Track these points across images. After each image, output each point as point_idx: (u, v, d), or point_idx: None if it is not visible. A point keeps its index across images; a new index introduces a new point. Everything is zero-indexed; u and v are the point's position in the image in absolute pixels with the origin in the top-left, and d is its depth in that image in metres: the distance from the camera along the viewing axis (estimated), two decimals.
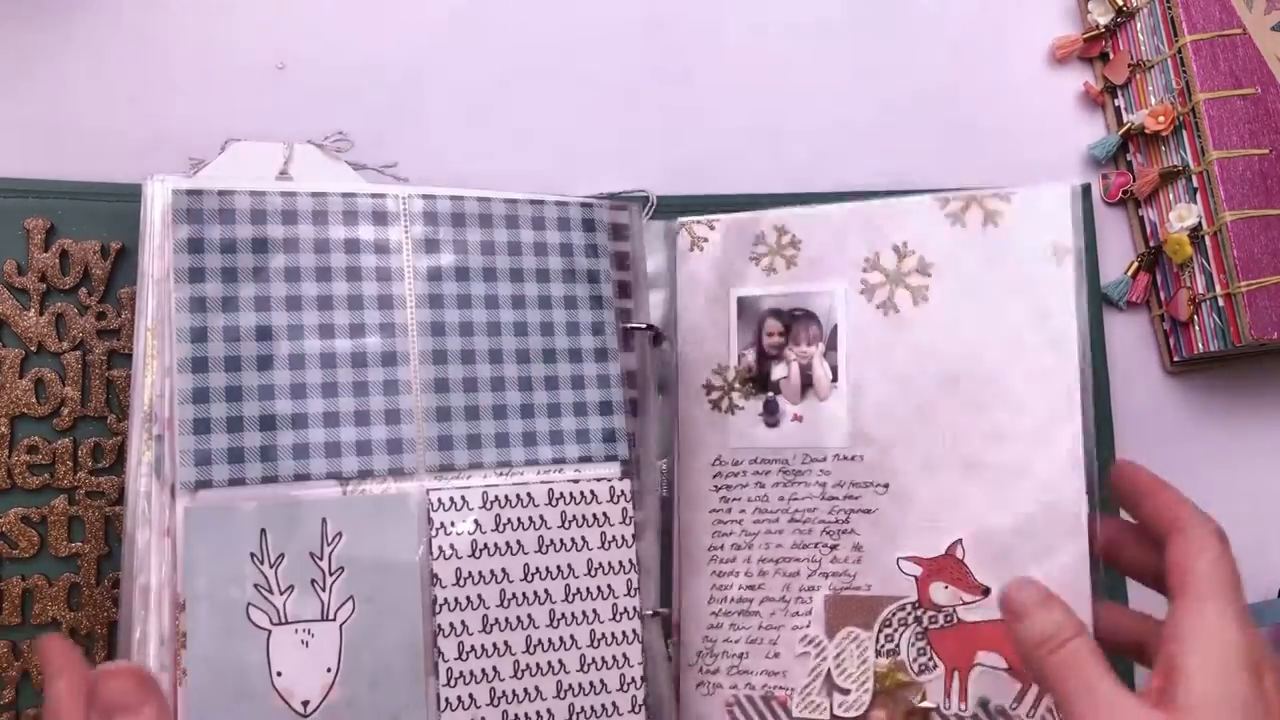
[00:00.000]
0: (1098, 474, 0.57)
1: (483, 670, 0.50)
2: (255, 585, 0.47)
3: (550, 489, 0.52)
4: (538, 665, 0.51)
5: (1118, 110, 0.64)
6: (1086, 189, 0.62)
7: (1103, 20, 0.64)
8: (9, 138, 0.57)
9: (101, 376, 0.53)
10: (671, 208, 0.59)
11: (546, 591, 0.51)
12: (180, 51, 0.60)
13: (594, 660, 0.52)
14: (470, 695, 0.49)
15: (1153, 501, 0.49)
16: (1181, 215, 0.60)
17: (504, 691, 0.50)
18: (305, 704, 0.47)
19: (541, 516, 0.52)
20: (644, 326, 0.56)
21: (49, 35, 0.59)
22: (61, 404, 0.53)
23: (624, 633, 0.53)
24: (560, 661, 0.51)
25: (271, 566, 0.47)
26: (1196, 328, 0.60)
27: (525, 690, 0.50)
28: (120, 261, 0.54)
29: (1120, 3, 0.64)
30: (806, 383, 0.56)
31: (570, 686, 0.51)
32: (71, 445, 0.53)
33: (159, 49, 0.60)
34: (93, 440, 0.53)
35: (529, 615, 0.51)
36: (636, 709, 0.52)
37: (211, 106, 0.59)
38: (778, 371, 0.56)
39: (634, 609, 0.53)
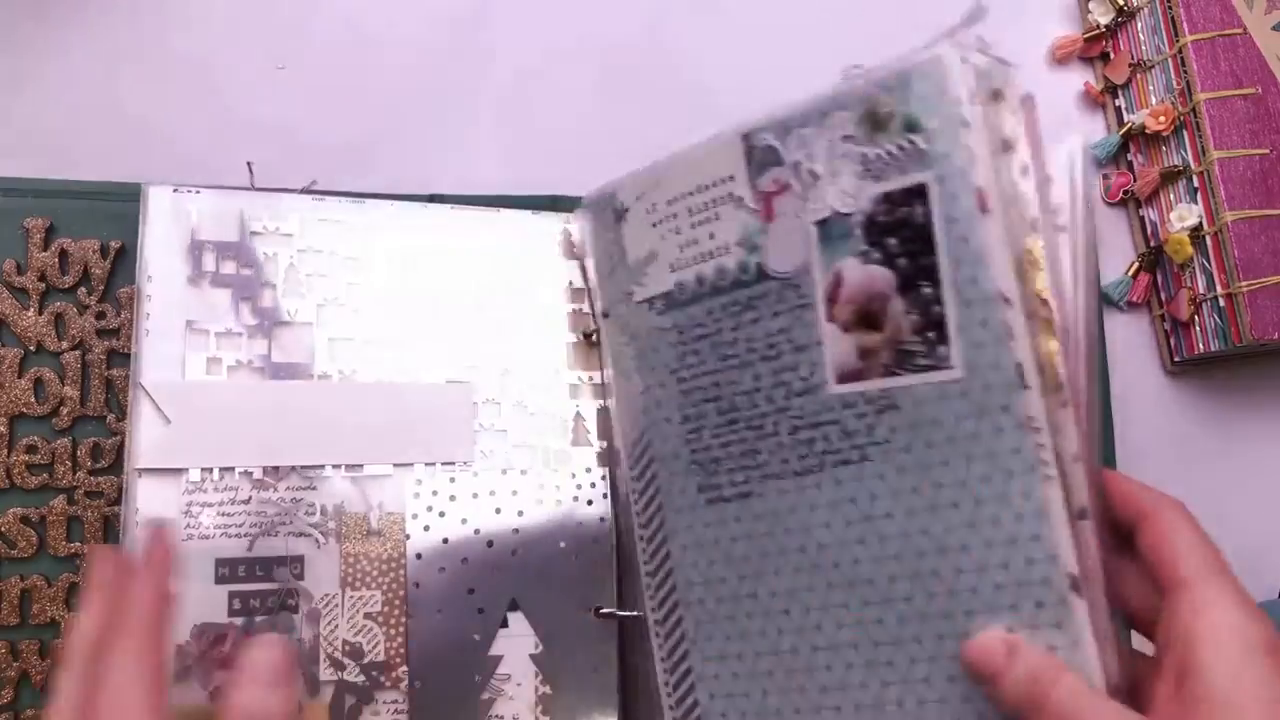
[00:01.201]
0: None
1: None
2: None
3: None
4: None
5: (1118, 110, 0.64)
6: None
7: (1103, 20, 0.64)
8: (9, 137, 0.57)
9: (101, 376, 0.53)
10: None
11: None
12: (180, 51, 0.60)
13: None
14: None
15: (1108, 491, 0.44)
16: (1182, 215, 0.60)
17: None
18: None
19: None
20: None
21: (49, 36, 0.59)
22: (61, 404, 0.52)
23: None
24: None
25: None
26: (1197, 328, 0.60)
27: None
28: (120, 261, 0.54)
29: (1121, 3, 0.64)
30: None
31: None
32: (70, 445, 0.52)
33: (159, 49, 0.60)
34: (92, 440, 0.53)
35: None
36: None
37: (211, 107, 0.59)
38: None
39: None
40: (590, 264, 0.55)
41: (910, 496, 0.45)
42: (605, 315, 0.53)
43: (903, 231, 0.44)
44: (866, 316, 0.45)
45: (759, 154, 0.47)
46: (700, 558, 0.50)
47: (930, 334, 0.44)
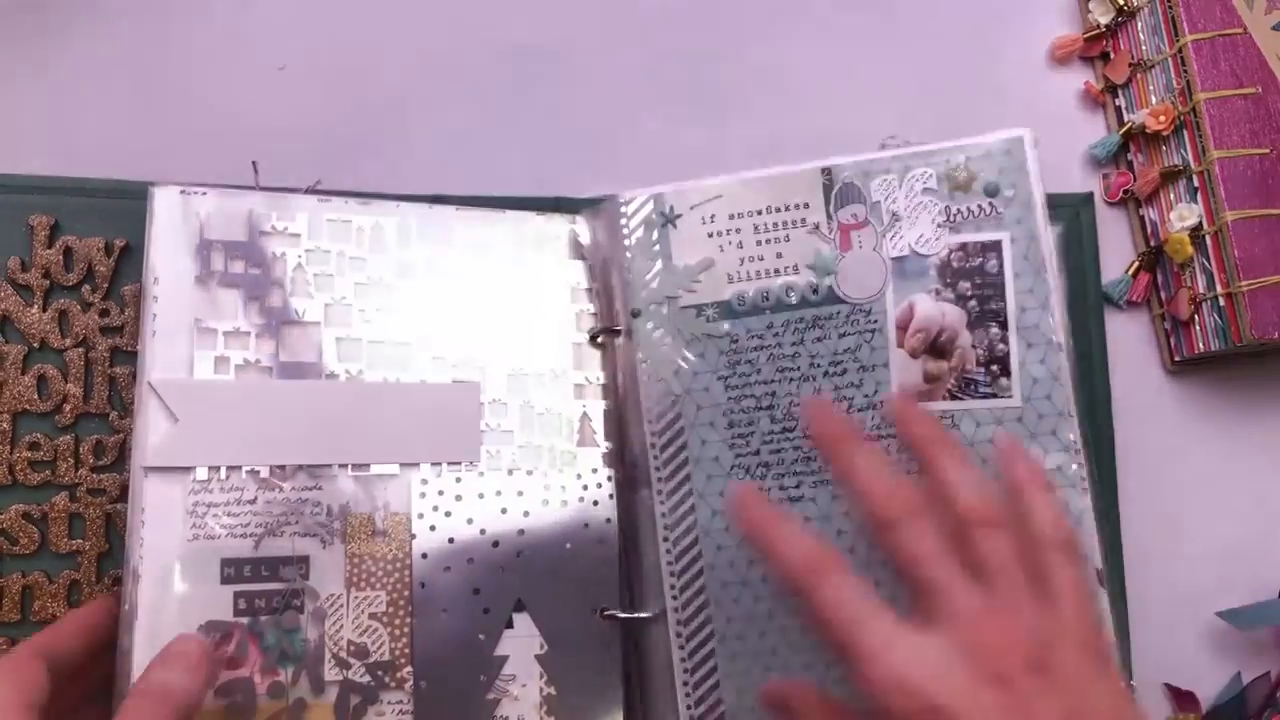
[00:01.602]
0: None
1: None
2: None
3: None
4: None
5: (1118, 110, 0.64)
6: (1089, 197, 0.62)
7: (1103, 20, 0.64)
8: (14, 135, 0.57)
9: (104, 374, 0.53)
10: None
11: None
12: (182, 51, 0.60)
13: None
14: None
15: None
16: (1182, 215, 0.61)
17: None
18: None
19: None
20: None
21: (53, 34, 0.59)
22: (64, 401, 0.52)
23: None
24: None
25: None
26: (1197, 327, 0.61)
27: None
28: (124, 259, 0.54)
29: (1121, 2, 0.64)
30: None
31: None
32: (73, 442, 0.52)
33: (161, 48, 0.60)
34: (94, 437, 0.53)
35: None
36: None
37: (213, 106, 0.59)
38: None
39: None
40: (610, 264, 0.55)
41: None
42: (635, 314, 0.54)
43: (975, 278, 0.53)
44: (934, 346, 0.53)
45: (840, 189, 0.54)
46: (739, 557, 0.52)
47: (994, 367, 0.53)
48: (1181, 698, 0.59)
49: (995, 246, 0.53)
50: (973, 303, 0.53)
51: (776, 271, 0.54)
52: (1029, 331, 0.53)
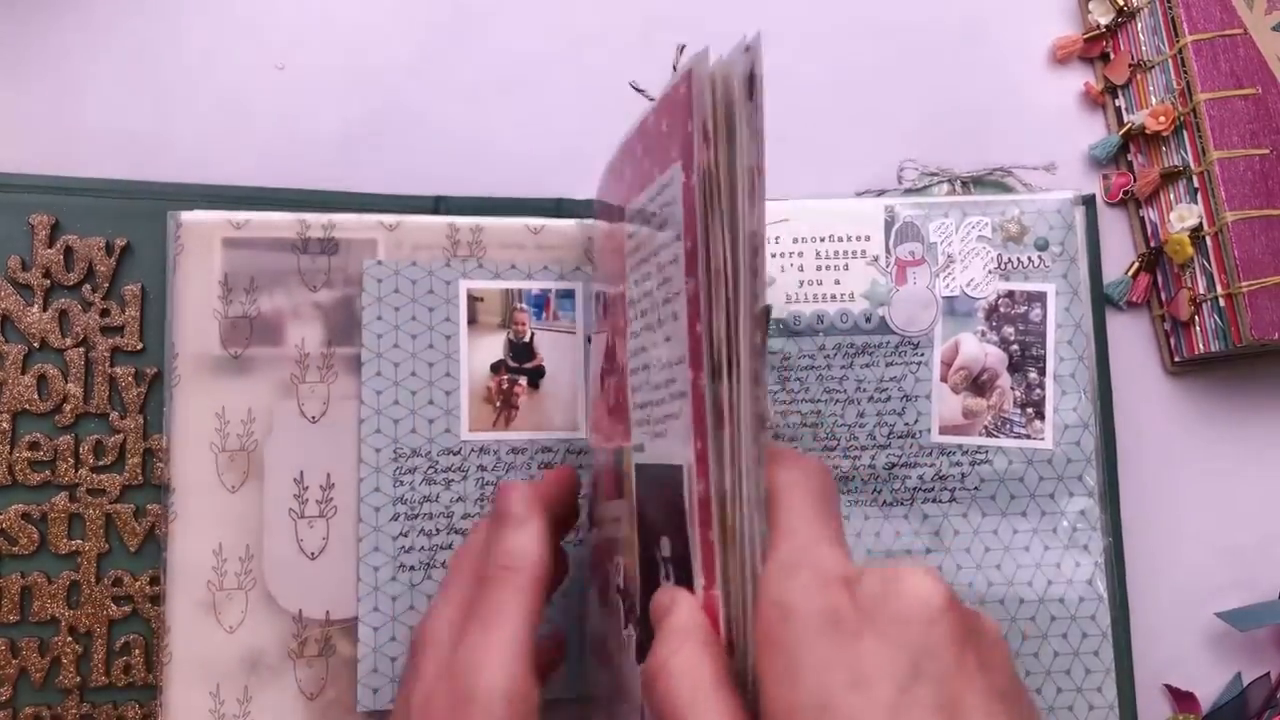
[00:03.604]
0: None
1: None
2: None
3: None
4: None
5: (1118, 110, 0.65)
6: (1091, 199, 0.62)
7: (1103, 20, 0.64)
8: (15, 134, 0.57)
9: (104, 374, 0.53)
10: None
11: None
12: (183, 51, 0.60)
13: None
14: None
15: None
16: (1182, 215, 0.61)
17: None
18: None
19: None
20: None
21: (53, 33, 0.59)
22: (63, 401, 0.52)
23: None
24: None
25: None
26: (1197, 328, 0.61)
27: None
28: (125, 258, 0.54)
29: (1121, 3, 0.64)
30: None
31: None
32: (73, 442, 0.52)
33: (162, 48, 0.60)
34: (94, 437, 0.53)
35: None
36: None
37: (213, 106, 0.59)
38: None
39: None
40: None
41: (988, 536, 0.56)
42: None
43: (1020, 324, 0.57)
44: (975, 383, 0.56)
45: (901, 227, 0.57)
46: None
47: (1030, 410, 0.56)
48: (1181, 698, 0.59)
49: (1040, 297, 0.57)
50: (1015, 347, 0.57)
51: (833, 297, 0.57)
52: (1065, 380, 0.56)
